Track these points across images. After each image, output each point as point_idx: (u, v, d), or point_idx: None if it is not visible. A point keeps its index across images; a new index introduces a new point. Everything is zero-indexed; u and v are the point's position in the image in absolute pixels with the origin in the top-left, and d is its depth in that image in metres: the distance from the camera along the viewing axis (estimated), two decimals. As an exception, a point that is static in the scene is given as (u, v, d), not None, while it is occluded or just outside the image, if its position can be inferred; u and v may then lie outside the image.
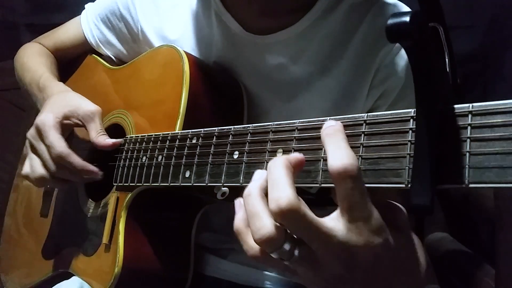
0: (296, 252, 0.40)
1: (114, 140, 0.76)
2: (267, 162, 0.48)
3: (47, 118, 0.76)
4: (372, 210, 0.38)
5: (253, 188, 0.42)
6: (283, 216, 0.38)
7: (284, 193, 0.38)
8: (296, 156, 0.42)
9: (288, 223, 0.39)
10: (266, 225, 0.39)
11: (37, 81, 0.92)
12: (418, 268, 0.45)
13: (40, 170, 0.77)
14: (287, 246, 0.39)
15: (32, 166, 0.78)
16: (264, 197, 0.41)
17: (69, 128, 0.80)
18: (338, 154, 0.38)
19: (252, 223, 0.40)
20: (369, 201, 0.38)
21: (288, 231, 0.40)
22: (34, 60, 0.99)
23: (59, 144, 0.74)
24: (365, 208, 0.38)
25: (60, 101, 0.82)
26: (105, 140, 0.76)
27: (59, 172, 0.76)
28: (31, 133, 0.79)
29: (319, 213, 0.40)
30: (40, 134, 0.76)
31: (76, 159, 0.75)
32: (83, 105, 0.80)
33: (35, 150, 0.78)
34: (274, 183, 0.39)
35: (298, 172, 0.42)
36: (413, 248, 0.44)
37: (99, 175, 0.76)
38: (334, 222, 0.38)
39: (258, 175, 0.44)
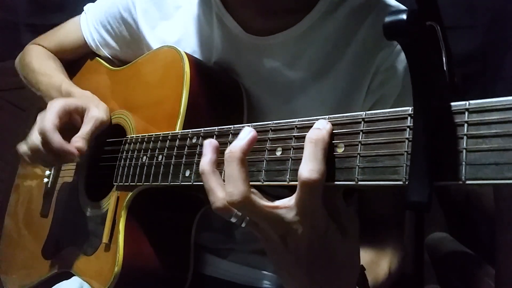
0: (248, 217, 0.47)
1: (79, 145, 0.77)
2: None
3: (58, 100, 0.80)
4: (319, 212, 0.44)
5: (204, 166, 0.48)
6: (236, 207, 0.45)
7: (237, 190, 0.44)
8: (248, 138, 0.46)
9: (242, 212, 0.46)
10: (219, 199, 0.46)
11: (58, 86, 0.93)
12: (353, 273, 0.51)
13: (31, 141, 0.80)
14: (239, 213, 0.47)
15: (27, 138, 0.82)
16: (216, 172, 0.48)
17: (77, 122, 0.82)
18: (310, 165, 0.42)
19: (208, 196, 0.47)
20: (321, 207, 0.44)
21: None
22: (45, 64, 1.01)
23: (48, 121, 0.76)
24: (314, 212, 0.43)
25: (82, 99, 0.85)
26: (74, 143, 0.77)
27: (41, 150, 0.78)
28: (41, 113, 0.81)
29: None
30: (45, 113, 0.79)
31: (56, 137, 0.75)
32: (95, 107, 0.83)
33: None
34: (229, 178, 0.44)
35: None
36: (353, 255, 0.50)
37: (76, 156, 0.77)
38: (282, 209, 0.44)
39: (206, 149, 0.49)
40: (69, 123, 0.80)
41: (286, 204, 0.44)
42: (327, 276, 0.47)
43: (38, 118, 0.80)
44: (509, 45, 1.18)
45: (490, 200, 0.93)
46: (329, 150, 0.43)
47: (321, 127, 0.44)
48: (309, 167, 0.42)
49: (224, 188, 0.46)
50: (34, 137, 0.80)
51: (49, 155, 0.78)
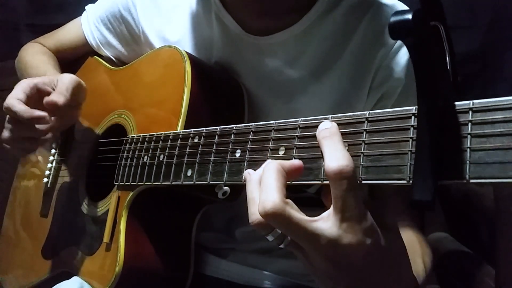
0: (289, 237, 0.43)
1: (53, 99, 0.72)
2: None
3: (23, 81, 0.77)
4: (364, 211, 0.40)
5: (254, 175, 0.45)
6: (267, 218, 0.40)
7: (270, 197, 0.40)
8: (292, 163, 0.44)
9: (273, 223, 0.41)
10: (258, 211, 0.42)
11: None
12: (408, 271, 0.47)
13: (5, 133, 0.77)
14: (278, 230, 0.43)
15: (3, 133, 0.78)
16: None
17: (45, 92, 0.77)
18: (335, 155, 0.40)
19: (248, 207, 0.43)
20: (362, 202, 0.40)
21: None
22: (37, 58, 1.00)
23: (10, 97, 0.73)
24: (358, 209, 0.40)
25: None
26: (48, 98, 0.73)
27: (14, 129, 0.75)
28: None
29: (318, 211, 0.42)
30: None
31: (21, 107, 0.72)
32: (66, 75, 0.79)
33: None
34: (263, 186, 0.42)
35: (295, 177, 0.44)
36: (402, 250, 0.46)
37: (47, 118, 0.73)
38: (322, 222, 0.40)
39: (265, 164, 0.45)
40: (41, 96, 0.76)
41: (324, 215, 0.41)
42: (392, 283, 0.44)
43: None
44: (509, 45, 1.18)
45: (490, 200, 0.93)
46: None
47: (328, 126, 0.44)
48: (334, 158, 0.40)
49: None
50: (5, 129, 0.77)
51: (22, 130, 0.75)
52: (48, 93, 0.76)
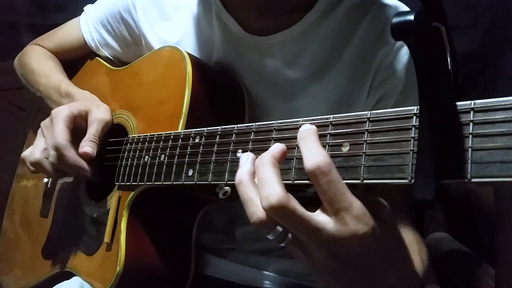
0: (290, 235, 0.43)
1: (87, 151, 0.76)
2: None
3: (62, 109, 0.79)
4: (351, 200, 0.41)
5: (243, 175, 0.45)
6: (273, 212, 0.41)
7: (273, 190, 0.41)
8: (279, 148, 0.45)
9: (278, 217, 0.42)
10: (259, 210, 0.42)
11: (57, 87, 0.93)
12: (410, 263, 0.47)
13: (37, 154, 0.80)
14: (280, 228, 0.43)
15: (33, 150, 0.81)
16: (255, 182, 0.44)
17: (81, 126, 0.81)
18: (310, 154, 0.41)
19: (246, 208, 0.43)
20: (347, 192, 0.41)
21: None
22: (44, 65, 1.00)
23: (61, 135, 0.75)
24: (343, 199, 0.40)
25: (83, 101, 0.85)
26: (83, 148, 0.76)
27: (56, 163, 0.78)
28: (45, 121, 0.81)
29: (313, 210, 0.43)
30: (51, 122, 0.78)
31: (71, 153, 0.75)
32: (96, 108, 0.82)
33: (43, 137, 0.80)
34: (263, 182, 0.42)
35: (283, 160, 0.45)
36: (400, 241, 0.46)
37: (89, 173, 0.77)
38: (322, 216, 0.41)
39: (245, 160, 0.47)
40: (74, 128, 0.79)
41: (319, 211, 0.42)
42: (392, 275, 0.44)
43: (43, 126, 0.80)
44: (509, 45, 1.18)
45: (490, 200, 0.93)
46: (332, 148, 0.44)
47: (308, 128, 0.45)
48: (309, 156, 0.41)
49: None
50: (39, 151, 0.80)
51: (60, 168, 0.78)
52: (81, 125, 0.80)
